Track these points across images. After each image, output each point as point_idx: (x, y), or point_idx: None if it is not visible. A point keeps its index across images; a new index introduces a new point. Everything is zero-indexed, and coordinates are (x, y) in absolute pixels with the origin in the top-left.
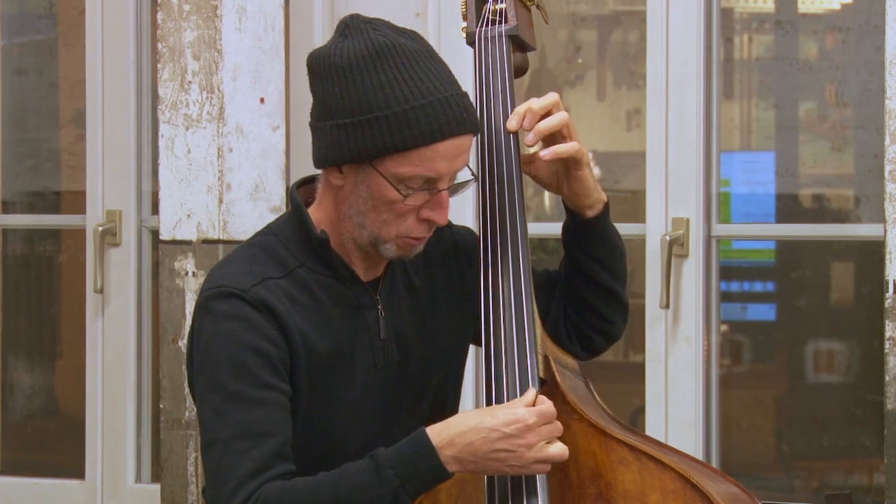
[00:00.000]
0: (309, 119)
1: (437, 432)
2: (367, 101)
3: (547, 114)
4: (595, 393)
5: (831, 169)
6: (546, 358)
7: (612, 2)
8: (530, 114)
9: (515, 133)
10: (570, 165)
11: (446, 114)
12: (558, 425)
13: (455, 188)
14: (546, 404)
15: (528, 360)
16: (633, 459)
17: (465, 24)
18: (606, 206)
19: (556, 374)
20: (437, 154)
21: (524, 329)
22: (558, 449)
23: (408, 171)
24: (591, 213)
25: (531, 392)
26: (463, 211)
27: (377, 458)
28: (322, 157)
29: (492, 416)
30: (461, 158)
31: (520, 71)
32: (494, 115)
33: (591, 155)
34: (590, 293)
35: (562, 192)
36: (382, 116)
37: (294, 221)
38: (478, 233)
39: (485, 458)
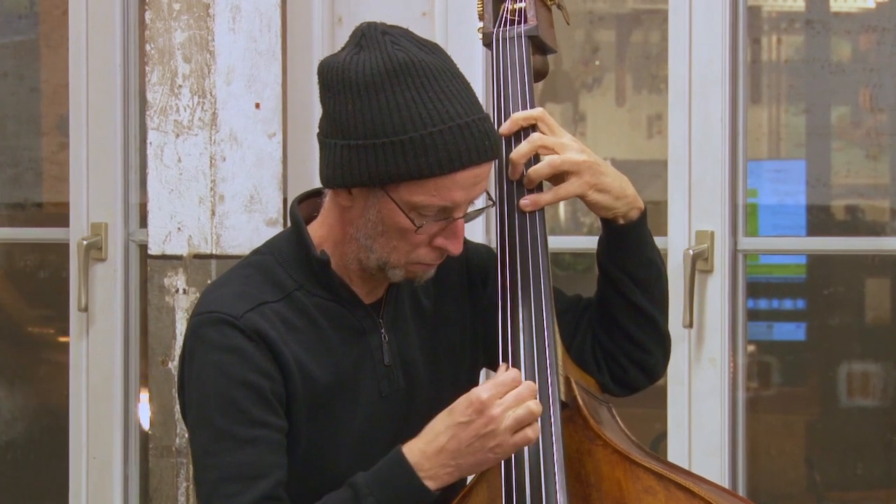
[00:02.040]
0: (317, 131)
1: (411, 448)
2: (382, 123)
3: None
4: (618, 418)
5: (866, 178)
6: (567, 380)
7: (632, 0)
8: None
9: None
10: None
11: (466, 141)
12: (525, 387)
13: (470, 215)
14: (504, 377)
15: (549, 382)
16: (660, 488)
17: (481, 24)
18: (643, 213)
19: (578, 398)
20: (455, 183)
21: (545, 349)
22: (525, 409)
23: (422, 200)
24: (623, 221)
25: (490, 380)
26: (473, 223)
27: (356, 486)
28: (330, 177)
29: (450, 412)
30: (480, 186)
31: (540, 75)
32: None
33: (608, 163)
34: (622, 313)
35: (584, 201)
36: (398, 141)
37: (293, 240)
38: (495, 247)
39: (461, 455)
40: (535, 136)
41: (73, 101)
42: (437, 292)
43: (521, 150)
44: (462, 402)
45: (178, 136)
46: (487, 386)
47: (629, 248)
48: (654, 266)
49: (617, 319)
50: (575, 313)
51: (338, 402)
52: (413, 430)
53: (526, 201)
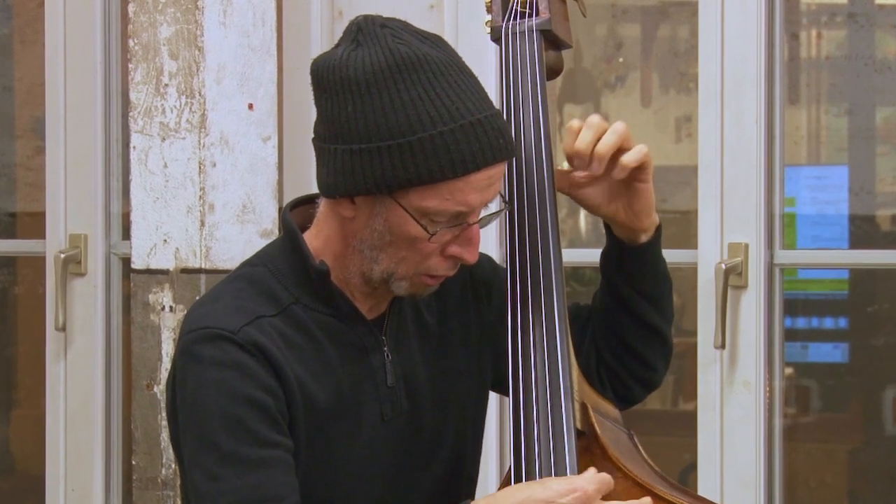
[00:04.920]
0: (312, 136)
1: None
2: (388, 124)
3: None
4: (640, 446)
5: None
6: (584, 406)
7: None
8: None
9: (548, 146)
10: (634, 176)
11: (480, 140)
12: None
13: (485, 220)
14: (606, 476)
15: (564, 409)
16: None
17: (489, 17)
18: (659, 229)
19: (596, 425)
20: (469, 186)
21: (559, 373)
22: None
23: (435, 205)
24: (645, 238)
25: (590, 470)
26: (484, 236)
27: None
28: (331, 186)
29: (544, 488)
30: (494, 188)
31: (553, 72)
32: (524, 124)
33: None
34: (632, 334)
35: (617, 213)
36: (406, 143)
37: (288, 250)
38: (505, 262)
39: None
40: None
41: (49, 102)
42: (440, 308)
43: (575, 121)
44: (563, 482)
45: (164, 139)
46: (591, 479)
47: (646, 266)
48: (667, 281)
49: (625, 340)
50: (577, 326)
51: (337, 425)
52: (416, 457)
53: (595, 166)
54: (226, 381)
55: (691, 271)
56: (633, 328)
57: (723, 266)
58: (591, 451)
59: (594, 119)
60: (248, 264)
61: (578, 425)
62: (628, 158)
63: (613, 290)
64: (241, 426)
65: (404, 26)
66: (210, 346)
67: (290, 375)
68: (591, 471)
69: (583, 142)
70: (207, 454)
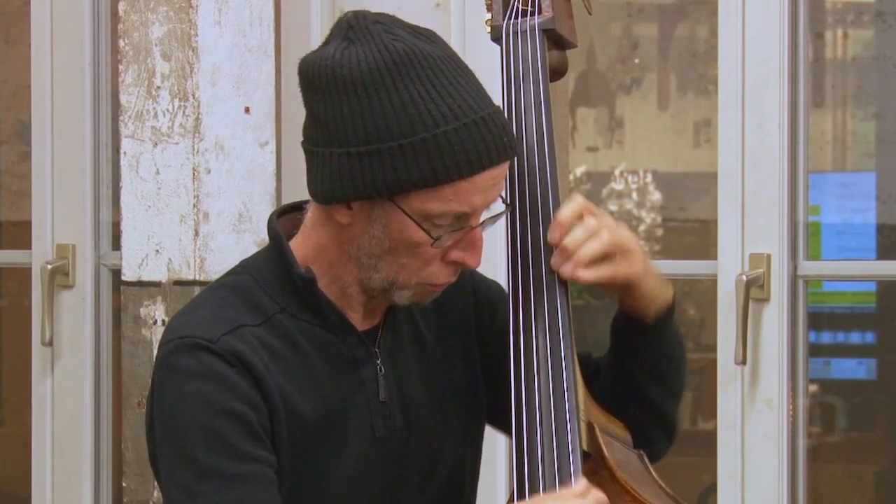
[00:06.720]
0: (301, 140)
1: None
2: (387, 125)
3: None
4: (651, 468)
5: None
6: (590, 426)
7: None
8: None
9: (551, 152)
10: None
11: (485, 139)
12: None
13: (486, 223)
14: (600, 495)
15: (568, 429)
16: None
17: (489, 16)
18: (671, 307)
19: (603, 446)
20: (475, 186)
21: (563, 390)
22: None
23: (437, 208)
24: (649, 320)
25: (581, 482)
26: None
27: None
28: (327, 192)
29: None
30: (497, 188)
31: (557, 73)
32: (527, 128)
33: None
34: (632, 405)
35: (617, 295)
36: (408, 144)
37: (273, 258)
38: (507, 273)
39: None
40: (579, 197)
41: (35, 106)
42: (440, 323)
43: (567, 212)
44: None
45: (156, 144)
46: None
47: (652, 343)
48: (675, 360)
49: (625, 409)
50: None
51: (325, 441)
52: (410, 478)
53: (568, 267)
54: (204, 393)
55: (711, 283)
56: (632, 400)
57: (744, 278)
58: (598, 475)
59: (591, 223)
60: (231, 273)
61: (584, 446)
62: (587, 276)
63: (616, 358)
64: (220, 440)
65: (396, 21)
66: (188, 357)
67: (273, 387)
68: (580, 487)
69: (563, 214)
70: (185, 469)
